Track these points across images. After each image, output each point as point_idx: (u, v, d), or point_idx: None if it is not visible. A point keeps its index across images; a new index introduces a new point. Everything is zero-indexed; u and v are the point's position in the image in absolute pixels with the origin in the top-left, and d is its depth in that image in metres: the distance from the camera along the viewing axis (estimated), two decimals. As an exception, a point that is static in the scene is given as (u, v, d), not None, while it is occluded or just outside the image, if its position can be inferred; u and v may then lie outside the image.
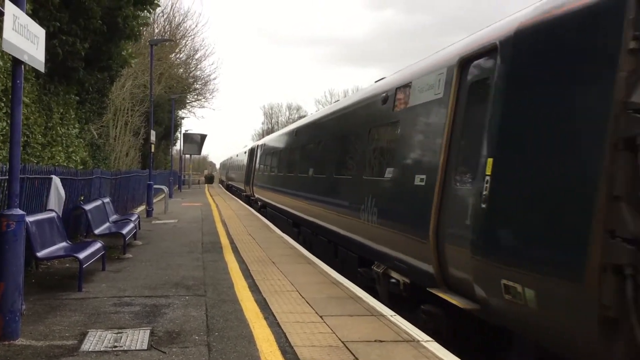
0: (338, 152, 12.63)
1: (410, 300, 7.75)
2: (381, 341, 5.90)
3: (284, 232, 16.79)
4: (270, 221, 20.61)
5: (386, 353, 5.53)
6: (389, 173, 8.90)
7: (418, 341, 5.91)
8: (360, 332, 6.22)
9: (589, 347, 4.43)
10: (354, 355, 5.43)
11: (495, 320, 5.88)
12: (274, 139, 25.49)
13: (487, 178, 5.78)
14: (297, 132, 19.03)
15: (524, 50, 5.69)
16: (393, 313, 7.13)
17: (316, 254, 12.63)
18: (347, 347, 5.67)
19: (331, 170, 12.92)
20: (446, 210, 6.70)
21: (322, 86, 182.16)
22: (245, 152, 38.58)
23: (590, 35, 4.78)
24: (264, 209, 25.39)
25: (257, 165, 29.36)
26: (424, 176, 7.45)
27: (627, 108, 4.26)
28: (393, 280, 8.42)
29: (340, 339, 5.95)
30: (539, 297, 4.88)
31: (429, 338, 6.06)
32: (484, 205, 5.76)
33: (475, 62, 6.75)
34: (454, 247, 6.44)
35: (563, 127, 4.94)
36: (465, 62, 6.95)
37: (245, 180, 34.46)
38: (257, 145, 31.24)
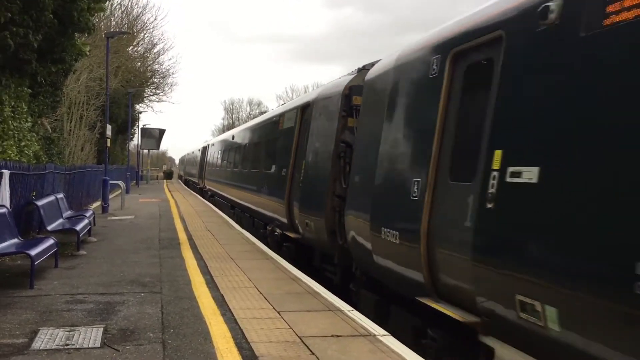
0: (252, 153, 18.54)
1: (282, 244, 12.94)
2: (338, 336, 5.93)
3: (225, 214, 21.15)
4: (217, 207, 24.65)
5: (343, 348, 5.55)
6: (272, 168, 14.55)
7: (374, 335, 5.96)
8: (318, 327, 6.23)
9: (327, 244, 10.03)
10: (311, 351, 5.44)
11: (307, 242, 11.50)
12: (219, 140, 30.83)
13: (302, 171, 11.44)
14: (234, 135, 24.50)
15: (315, 108, 11.43)
16: (350, 308, 7.17)
17: (243, 226, 17.25)
18: (304, 343, 5.68)
19: (249, 166, 18.55)
20: (292, 188, 12.14)
21: (283, 82, 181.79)
22: (199, 150, 43.28)
23: (331, 107, 10.44)
24: (213, 197, 30.00)
25: (207, 161, 34.75)
26: (285, 169, 12.84)
27: (340, 141, 9.81)
28: (276, 234, 13.57)
29: (297, 335, 5.95)
30: (314, 227, 10.50)
31: (385, 332, 6.12)
32: (301, 185, 11.49)
33: (305, 110, 12.35)
34: (295, 207, 11.80)
35: (322, 147, 10.60)
36: (302, 108, 12.63)
37: (198, 174, 40.10)
38: (208, 144, 36.46)
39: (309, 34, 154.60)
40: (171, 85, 50.30)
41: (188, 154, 66.24)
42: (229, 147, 24.99)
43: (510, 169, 4.76)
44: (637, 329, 3.44)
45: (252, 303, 7.33)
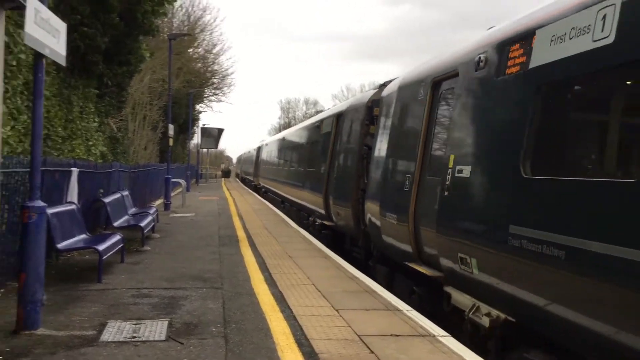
0: (298, 153, 21.43)
1: (321, 231, 15.28)
2: (397, 335, 5.92)
3: (278, 209, 23.51)
4: (271, 203, 26.74)
5: (402, 347, 5.54)
6: (314, 166, 16.94)
7: (434, 336, 5.92)
8: (376, 326, 6.23)
9: (353, 230, 12.01)
10: (370, 349, 5.45)
11: (340, 229, 13.68)
12: (271, 141, 33.94)
13: (335, 169, 13.87)
14: (284, 137, 27.52)
15: (346, 117, 13.69)
16: (409, 308, 7.14)
17: (291, 218, 19.48)
18: (363, 341, 5.70)
19: (295, 164, 21.30)
20: (329, 183, 14.37)
21: (340, 81, 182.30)
22: (254, 150, 47.02)
23: (357, 116, 12.50)
24: (266, 193, 32.70)
25: (260, 160, 38.25)
26: (324, 168, 15.11)
27: (363, 144, 11.82)
28: (317, 223, 15.99)
29: (356, 333, 5.97)
30: (344, 215, 12.62)
31: (445, 333, 6.06)
32: (334, 181, 13.87)
33: (339, 117, 14.53)
34: (330, 199, 14.04)
35: (350, 149, 12.80)
36: (337, 116, 14.85)
37: (254, 172, 44.08)
38: (262, 145, 39.80)
39: (366, 32, 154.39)
40: (230, 86, 51.04)
41: (244, 153, 68.36)
42: (279, 148, 27.86)
43: (457, 167, 6.71)
44: (513, 267, 5.37)
45: (310, 301, 7.40)
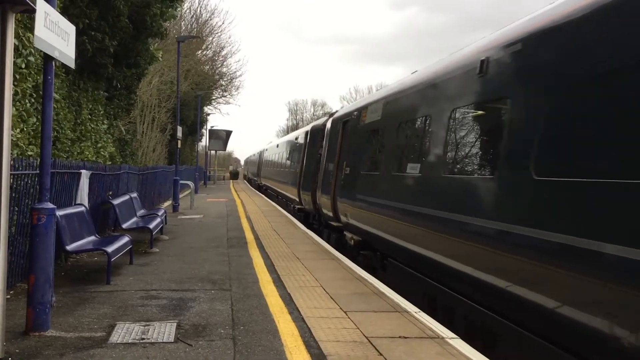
0: (285, 158, 26.90)
1: (297, 213, 20.75)
2: (405, 337, 5.90)
3: (272, 201, 29.50)
4: (268, 197, 32.96)
5: (410, 349, 5.52)
6: (293, 167, 22.84)
7: (443, 338, 5.90)
8: (385, 328, 6.22)
9: (313, 209, 17.88)
10: (378, 351, 5.44)
11: (307, 210, 19.41)
12: (270, 147, 39.81)
13: (304, 169, 20.16)
14: (277, 145, 34.07)
15: (310, 134, 20.39)
16: (417, 310, 7.12)
17: (281, 206, 25.02)
18: (371, 343, 5.68)
19: (283, 166, 27.17)
20: (301, 178, 20.41)
21: (347, 83, 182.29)
22: (258, 153, 52.05)
23: (317, 134, 18.75)
24: (267, 190, 38.24)
25: (262, 162, 44.22)
26: (299, 168, 21.12)
27: (318, 153, 17.90)
28: (295, 208, 21.41)
29: (364, 335, 5.96)
30: (308, 200, 18.50)
31: (453, 335, 6.04)
32: (302, 178, 20.12)
33: (308, 133, 21.00)
34: (301, 190, 20.14)
35: (312, 155, 18.69)
36: (306, 132, 21.33)
37: (257, 173, 49.67)
38: (263, 149, 45.49)
39: (374, 36, 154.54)
40: (237, 88, 51.28)
41: (251, 156, 70.45)
42: (273, 153, 34.52)
43: (346, 168, 13.08)
44: (358, 214, 11.72)
45: (318, 302, 7.39)
